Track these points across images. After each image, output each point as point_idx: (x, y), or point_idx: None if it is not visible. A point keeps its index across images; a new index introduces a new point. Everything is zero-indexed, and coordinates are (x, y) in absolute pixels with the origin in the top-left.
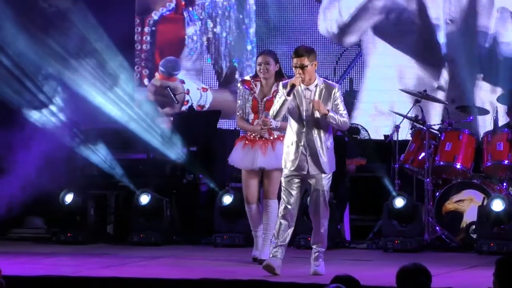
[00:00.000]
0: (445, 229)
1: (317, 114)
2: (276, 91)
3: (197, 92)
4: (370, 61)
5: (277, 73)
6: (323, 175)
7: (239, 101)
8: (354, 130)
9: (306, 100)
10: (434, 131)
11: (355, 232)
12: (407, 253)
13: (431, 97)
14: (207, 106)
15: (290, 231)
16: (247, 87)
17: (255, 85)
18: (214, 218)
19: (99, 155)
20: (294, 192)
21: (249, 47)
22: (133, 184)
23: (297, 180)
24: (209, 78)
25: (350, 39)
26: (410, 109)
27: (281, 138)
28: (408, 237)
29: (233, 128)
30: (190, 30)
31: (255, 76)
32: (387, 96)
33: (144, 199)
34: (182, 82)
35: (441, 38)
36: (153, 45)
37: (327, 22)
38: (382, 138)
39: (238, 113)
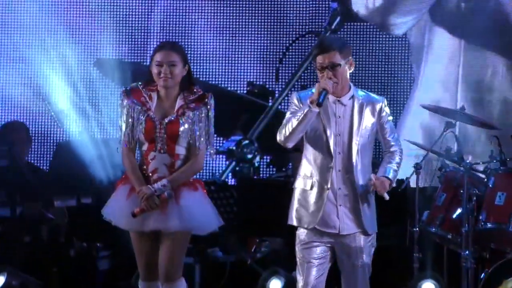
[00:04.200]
0: None
1: (386, 197)
2: (184, 108)
3: None
4: None
5: (185, 80)
6: (363, 237)
7: (123, 124)
8: None
9: (336, 118)
10: (478, 174)
11: None
12: None
13: (474, 118)
14: None
15: None
16: (135, 100)
17: (150, 97)
18: None
19: None
20: (315, 268)
21: None
22: None
23: (321, 247)
24: None
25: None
26: (440, 137)
27: (191, 185)
28: None
29: None
30: None
31: (149, 84)
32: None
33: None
34: None
35: None
36: None
37: None
38: (394, 184)
39: (123, 142)
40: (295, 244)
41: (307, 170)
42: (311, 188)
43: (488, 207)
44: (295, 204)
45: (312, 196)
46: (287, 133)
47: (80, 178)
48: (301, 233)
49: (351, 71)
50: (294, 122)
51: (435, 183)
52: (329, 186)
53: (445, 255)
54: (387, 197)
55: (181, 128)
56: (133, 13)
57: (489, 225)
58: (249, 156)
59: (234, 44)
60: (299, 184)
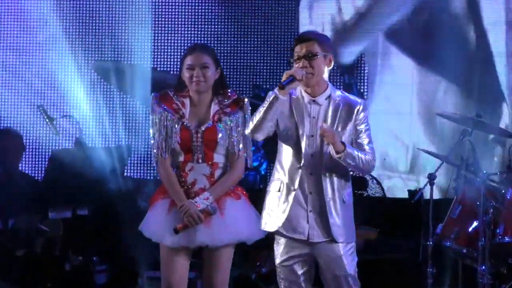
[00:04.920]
0: None
1: (331, 151)
2: (220, 113)
3: None
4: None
5: (217, 83)
6: (342, 246)
7: (156, 133)
8: (359, 182)
9: (311, 119)
10: (494, 185)
11: None
12: None
13: (491, 126)
14: None
15: None
16: (167, 107)
17: (182, 104)
18: None
19: None
20: (303, 284)
21: None
22: None
23: (301, 262)
24: None
25: (352, 49)
26: (455, 146)
27: (233, 193)
28: None
29: (153, 177)
30: None
31: (179, 90)
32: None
33: None
34: None
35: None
36: None
37: (316, 22)
38: (406, 196)
39: (157, 153)
40: (275, 262)
41: (279, 172)
42: (279, 190)
43: (506, 220)
44: (265, 208)
45: (279, 198)
46: (254, 122)
47: (75, 188)
48: (278, 247)
49: (329, 68)
50: (261, 110)
51: (450, 195)
52: (295, 187)
53: (461, 270)
54: (333, 152)
55: (219, 135)
56: (133, 17)
57: (506, 239)
58: (255, 163)
59: (239, 45)
60: (271, 187)
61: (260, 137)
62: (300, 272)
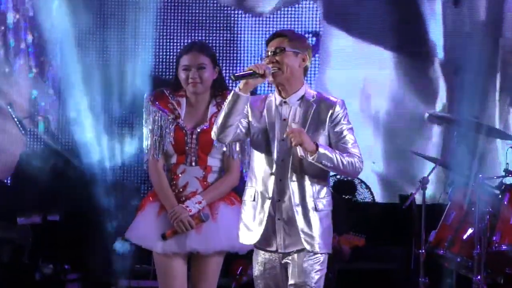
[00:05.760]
0: None
1: (300, 152)
2: (216, 115)
3: None
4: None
5: (216, 84)
6: (307, 255)
7: (149, 133)
8: (346, 186)
9: (281, 122)
10: (491, 190)
11: None
12: None
13: (487, 128)
14: None
15: None
16: (162, 107)
17: (178, 104)
18: None
19: None
20: None
21: None
22: None
23: (276, 271)
24: None
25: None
26: (450, 149)
27: (227, 199)
28: None
29: (134, 181)
30: None
31: (176, 89)
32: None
33: None
34: None
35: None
36: None
37: None
38: (397, 201)
39: (149, 154)
40: (253, 276)
41: (252, 179)
42: (254, 199)
43: (503, 226)
44: (241, 219)
45: (255, 208)
46: (217, 123)
47: (46, 192)
48: (256, 258)
49: (303, 67)
50: (222, 109)
51: (444, 200)
52: (270, 195)
53: (455, 280)
54: (301, 153)
55: None
56: (123, 16)
57: (503, 247)
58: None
59: (228, 48)
60: (245, 196)
61: (225, 139)
62: (280, 284)
